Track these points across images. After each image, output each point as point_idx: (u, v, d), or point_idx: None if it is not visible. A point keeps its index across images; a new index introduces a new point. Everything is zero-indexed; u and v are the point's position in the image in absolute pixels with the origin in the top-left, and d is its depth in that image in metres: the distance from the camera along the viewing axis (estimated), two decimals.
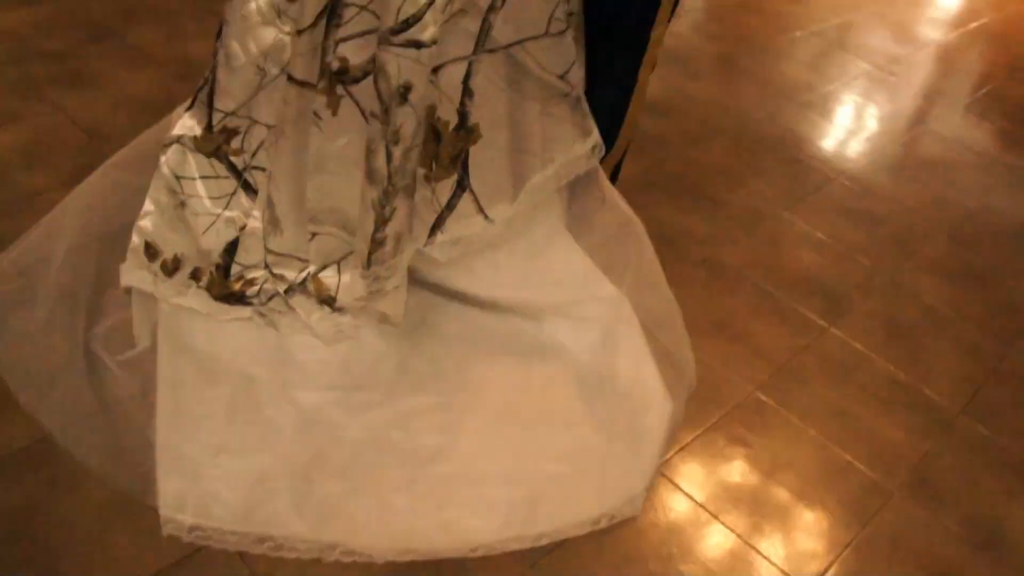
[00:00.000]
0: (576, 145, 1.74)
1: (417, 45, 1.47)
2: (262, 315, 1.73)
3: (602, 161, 1.96)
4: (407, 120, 1.53)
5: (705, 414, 1.84)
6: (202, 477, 1.50)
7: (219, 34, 1.72)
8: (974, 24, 4.24)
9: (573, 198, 1.84)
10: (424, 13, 1.45)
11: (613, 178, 2.14)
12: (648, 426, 1.70)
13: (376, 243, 1.62)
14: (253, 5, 1.67)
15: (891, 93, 3.36)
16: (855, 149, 2.92)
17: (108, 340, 1.67)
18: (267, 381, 1.66)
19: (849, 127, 3.06)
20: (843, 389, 1.97)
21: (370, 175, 1.58)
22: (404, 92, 1.50)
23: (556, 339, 1.80)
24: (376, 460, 1.59)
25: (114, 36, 2.69)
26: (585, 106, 1.73)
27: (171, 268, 1.73)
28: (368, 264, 1.64)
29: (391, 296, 1.70)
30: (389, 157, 1.56)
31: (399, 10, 1.45)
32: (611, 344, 1.77)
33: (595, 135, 1.75)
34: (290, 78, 1.63)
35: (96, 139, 2.22)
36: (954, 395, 2.03)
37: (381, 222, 1.60)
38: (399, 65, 1.48)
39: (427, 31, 1.47)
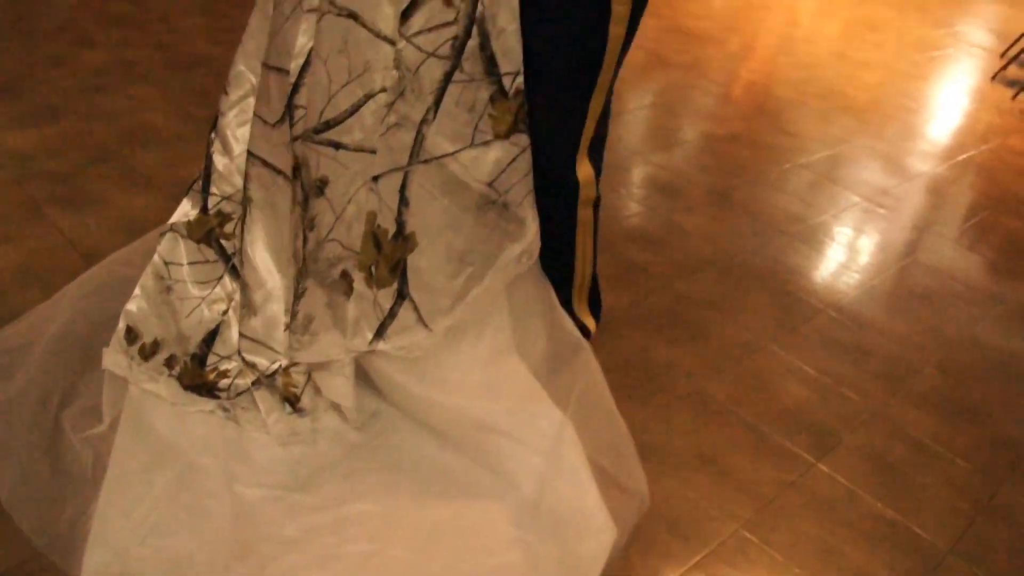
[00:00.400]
0: (505, 251, 1.78)
1: (336, 146, 1.65)
2: (225, 410, 1.81)
3: (567, 292, 1.99)
4: (323, 211, 1.69)
5: (689, 552, 1.81)
6: (128, 555, 1.52)
7: (214, 125, 1.86)
8: (962, 156, 4.33)
9: (521, 318, 1.87)
10: (346, 118, 1.64)
11: (596, 315, 2.16)
12: (585, 553, 1.67)
13: (292, 314, 1.77)
14: (251, 100, 1.82)
15: (881, 225, 3.41)
16: (845, 281, 2.95)
17: (79, 419, 1.73)
18: (214, 472, 1.71)
19: (839, 259, 3.09)
20: (829, 526, 1.94)
21: (293, 254, 1.77)
22: (320, 185, 1.68)
23: (498, 471, 1.79)
24: (301, 561, 1.60)
25: (116, 159, 2.75)
26: (518, 211, 1.77)
27: (149, 352, 1.81)
28: (288, 330, 1.78)
29: (338, 386, 1.78)
30: (305, 241, 1.72)
31: (321, 112, 1.64)
32: (553, 469, 1.76)
33: (526, 241, 1.79)
34: (251, 154, 1.79)
35: (91, 261, 2.24)
36: (944, 533, 2.00)
37: (296, 296, 1.77)
38: (318, 160, 1.67)
39: (349, 135, 1.65)
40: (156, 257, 1.87)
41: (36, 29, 3.58)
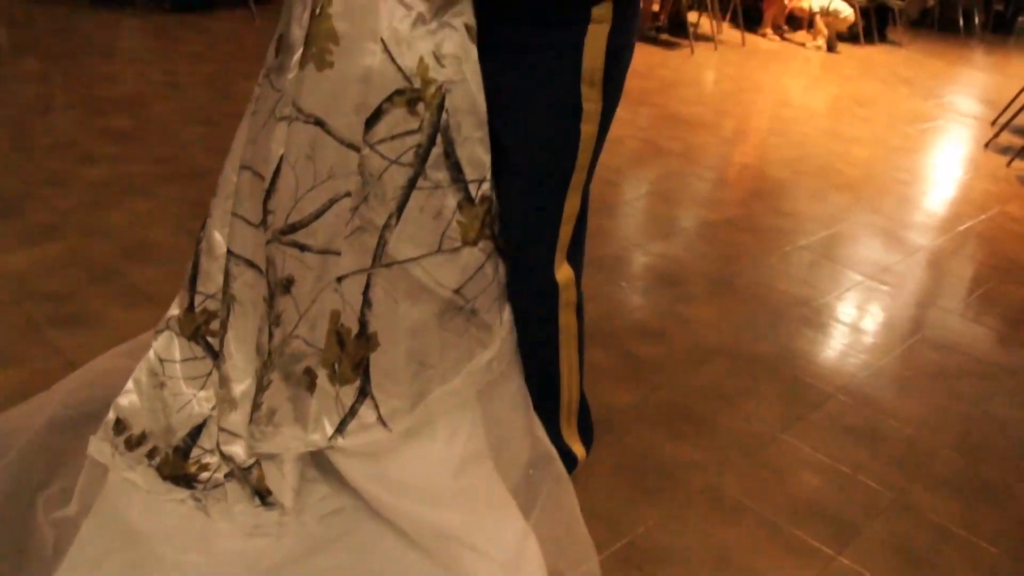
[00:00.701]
0: (476, 357, 1.78)
1: (301, 247, 1.71)
2: (197, 499, 1.82)
3: (552, 413, 1.94)
4: (288, 309, 1.74)
5: None
6: None
7: (204, 225, 1.91)
8: (961, 227, 4.33)
9: (500, 425, 1.86)
10: (311, 222, 1.69)
11: (587, 442, 2.07)
12: None
13: (255, 405, 1.80)
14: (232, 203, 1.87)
15: (885, 303, 3.40)
16: (852, 363, 2.92)
17: (53, 501, 1.76)
18: (171, 562, 1.71)
19: (845, 341, 3.07)
20: None
21: (258, 347, 1.81)
22: (286, 284, 1.72)
23: None
24: None
25: (115, 276, 2.75)
26: (486, 317, 1.77)
27: (135, 443, 1.85)
28: (249, 420, 1.80)
29: (273, 476, 1.79)
30: (271, 337, 1.76)
31: (288, 215, 1.69)
32: None
33: (494, 348, 1.80)
34: (233, 254, 1.82)
35: None
36: None
37: (259, 388, 1.80)
38: (284, 261, 1.72)
39: (313, 238, 1.69)
40: (151, 354, 1.91)
41: (36, 147, 3.63)
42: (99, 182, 3.38)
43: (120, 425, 1.86)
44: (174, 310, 1.95)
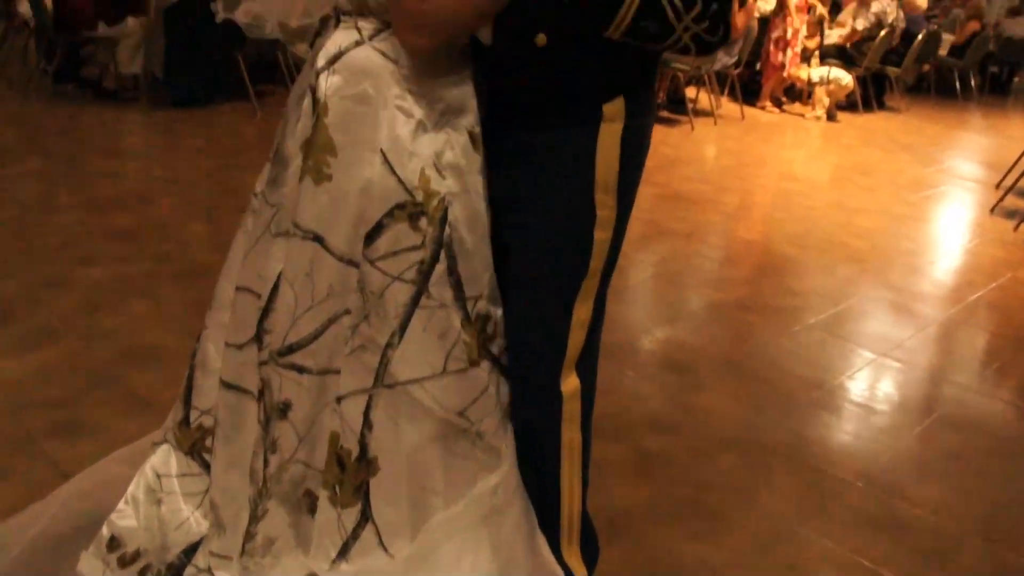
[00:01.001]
0: (480, 482, 1.70)
1: (299, 369, 1.65)
2: None
3: (552, 531, 1.85)
4: (285, 435, 1.68)
5: None
6: None
7: (199, 337, 1.87)
8: (972, 297, 4.28)
9: (498, 546, 1.77)
10: (309, 343, 1.64)
11: (590, 563, 1.95)
12: None
13: (248, 536, 1.74)
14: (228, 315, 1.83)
15: (899, 381, 3.32)
16: (870, 448, 2.84)
17: None
18: None
19: (862, 424, 2.99)
20: None
21: (251, 474, 1.74)
22: (283, 408, 1.67)
23: None
24: None
25: (114, 381, 2.71)
26: (492, 440, 1.70)
27: (128, 560, 1.80)
28: (241, 552, 1.74)
29: None
30: (266, 463, 1.71)
31: (285, 336, 1.64)
32: None
33: (501, 472, 1.72)
34: (222, 382, 1.77)
35: None
36: None
37: (253, 518, 1.74)
38: (281, 383, 1.66)
39: (313, 359, 1.64)
40: (148, 469, 1.86)
41: (35, 247, 3.62)
42: (99, 283, 3.36)
43: (114, 542, 1.82)
44: (171, 421, 1.91)
